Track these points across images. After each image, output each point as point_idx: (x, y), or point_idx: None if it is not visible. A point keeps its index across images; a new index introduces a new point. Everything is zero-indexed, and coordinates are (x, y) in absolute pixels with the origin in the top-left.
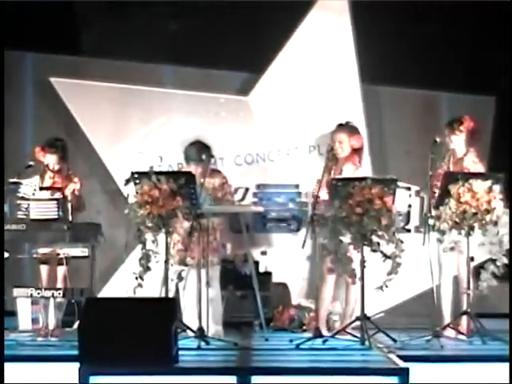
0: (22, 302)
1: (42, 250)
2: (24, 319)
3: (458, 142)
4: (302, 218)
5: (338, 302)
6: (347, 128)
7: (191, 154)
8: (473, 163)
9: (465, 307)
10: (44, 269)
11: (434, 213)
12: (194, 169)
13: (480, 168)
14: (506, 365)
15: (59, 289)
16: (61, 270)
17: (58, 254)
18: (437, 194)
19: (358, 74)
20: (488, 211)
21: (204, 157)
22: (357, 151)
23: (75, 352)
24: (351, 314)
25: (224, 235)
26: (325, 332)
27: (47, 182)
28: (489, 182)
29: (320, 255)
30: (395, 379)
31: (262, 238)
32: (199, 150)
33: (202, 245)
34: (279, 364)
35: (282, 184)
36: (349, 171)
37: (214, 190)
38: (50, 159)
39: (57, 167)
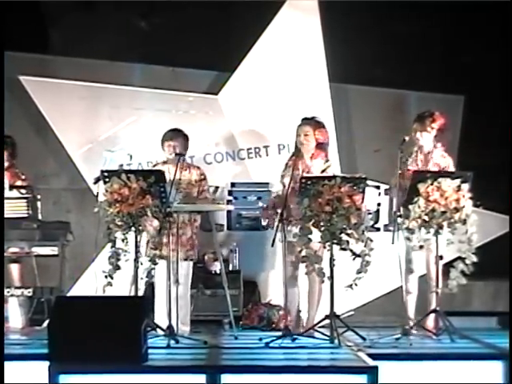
0: None
1: (12, 249)
2: None
3: (427, 138)
4: None
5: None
6: (313, 121)
7: (167, 134)
8: (442, 157)
9: (434, 305)
10: (15, 267)
11: (402, 211)
12: (166, 149)
13: (450, 161)
14: (474, 363)
15: (29, 287)
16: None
17: (28, 253)
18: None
19: (326, 72)
20: (457, 210)
21: (177, 148)
22: (322, 146)
23: (45, 350)
24: (314, 315)
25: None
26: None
27: None
28: (457, 181)
29: (288, 254)
30: (364, 377)
31: (232, 236)
32: (175, 131)
33: (171, 242)
34: (248, 362)
35: (251, 182)
36: (318, 166)
37: (189, 185)
38: None
39: (6, 164)
